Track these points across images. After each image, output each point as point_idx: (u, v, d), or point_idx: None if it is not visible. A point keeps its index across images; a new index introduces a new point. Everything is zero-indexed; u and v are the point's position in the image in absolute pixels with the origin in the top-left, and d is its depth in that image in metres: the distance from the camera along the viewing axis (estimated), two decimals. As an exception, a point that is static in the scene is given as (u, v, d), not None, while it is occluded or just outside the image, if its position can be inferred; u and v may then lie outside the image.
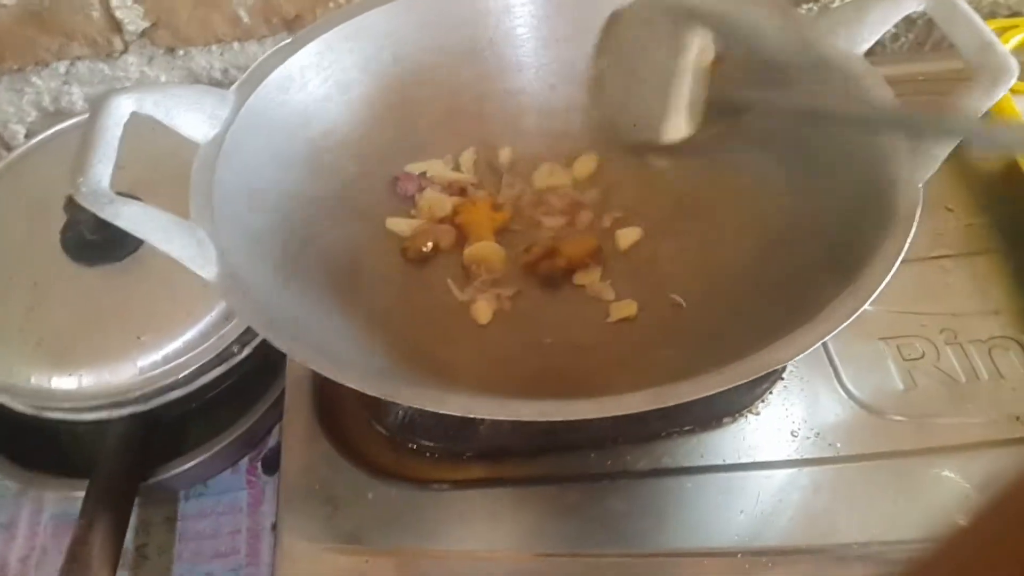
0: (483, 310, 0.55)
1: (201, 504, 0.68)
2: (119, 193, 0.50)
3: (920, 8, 0.51)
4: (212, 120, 0.51)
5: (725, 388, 0.38)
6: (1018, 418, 0.52)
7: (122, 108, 0.47)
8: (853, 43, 0.52)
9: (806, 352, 0.39)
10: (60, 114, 0.78)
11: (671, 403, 0.37)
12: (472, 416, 0.39)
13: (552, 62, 0.62)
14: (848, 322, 0.40)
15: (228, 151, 0.50)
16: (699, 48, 0.54)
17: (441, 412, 0.39)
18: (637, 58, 0.58)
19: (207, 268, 0.44)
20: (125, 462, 0.59)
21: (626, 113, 0.59)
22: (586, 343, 0.53)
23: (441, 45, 0.60)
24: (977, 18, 0.48)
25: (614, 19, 0.60)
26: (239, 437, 0.65)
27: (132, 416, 0.60)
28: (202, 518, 0.67)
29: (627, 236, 0.58)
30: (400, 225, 0.58)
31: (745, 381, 0.39)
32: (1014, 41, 0.66)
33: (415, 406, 0.39)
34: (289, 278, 0.49)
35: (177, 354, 0.60)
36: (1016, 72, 0.46)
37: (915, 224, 0.43)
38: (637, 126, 0.57)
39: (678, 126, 0.54)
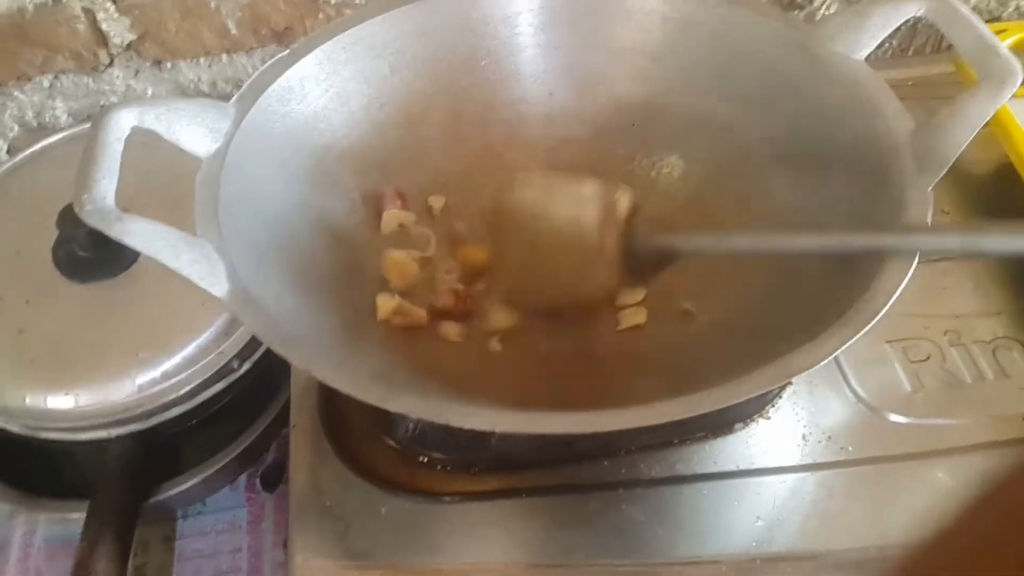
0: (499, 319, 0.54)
1: (200, 523, 0.67)
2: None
3: (920, 12, 0.51)
4: (214, 134, 0.50)
5: (755, 394, 0.38)
6: (1024, 417, 0.53)
7: (123, 123, 0.47)
8: (854, 49, 0.53)
9: (831, 357, 0.39)
10: (43, 129, 0.77)
11: (702, 411, 0.37)
12: (499, 431, 0.38)
13: (551, 70, 0.62)
14: (869, 327, 0.40)
15: (231, 165, 0.50)
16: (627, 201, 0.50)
17: (466, 428, 0.38)
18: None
19: (218, 285, 0.44)
20: (126, 482, 0.58)
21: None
22: (599, 353, 0.53)
23: (440, 55, 0.60)
24: (979, 21, 0.49)
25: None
26: (238, 454, 0.65)
27: (131, 435, 0.59)
28: (201, 537, 0.66)
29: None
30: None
31: (774, 387, 0.39)
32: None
33: (439, 422, 0.38)
34: (299, 291, 0.48)
35: (176, 370, 0.59)
36: (1020, 73, 0.47)
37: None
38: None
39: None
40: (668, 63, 0.60)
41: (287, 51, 0.55)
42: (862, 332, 0.40)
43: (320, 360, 0.42)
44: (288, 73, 0.54)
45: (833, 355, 0.40)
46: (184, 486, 0.62)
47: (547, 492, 0.52)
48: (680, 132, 0.60)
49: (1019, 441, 0.52)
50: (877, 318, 0.41)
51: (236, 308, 0.43)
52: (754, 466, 0.52)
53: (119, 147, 0.46)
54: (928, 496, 0.50)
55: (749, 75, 0.57)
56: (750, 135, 0.57)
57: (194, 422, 0.62)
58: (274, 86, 0.54)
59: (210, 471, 0.63)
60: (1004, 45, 0.48)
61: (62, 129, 0.72)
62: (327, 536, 0.50)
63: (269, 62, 0.55)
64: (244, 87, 0.53)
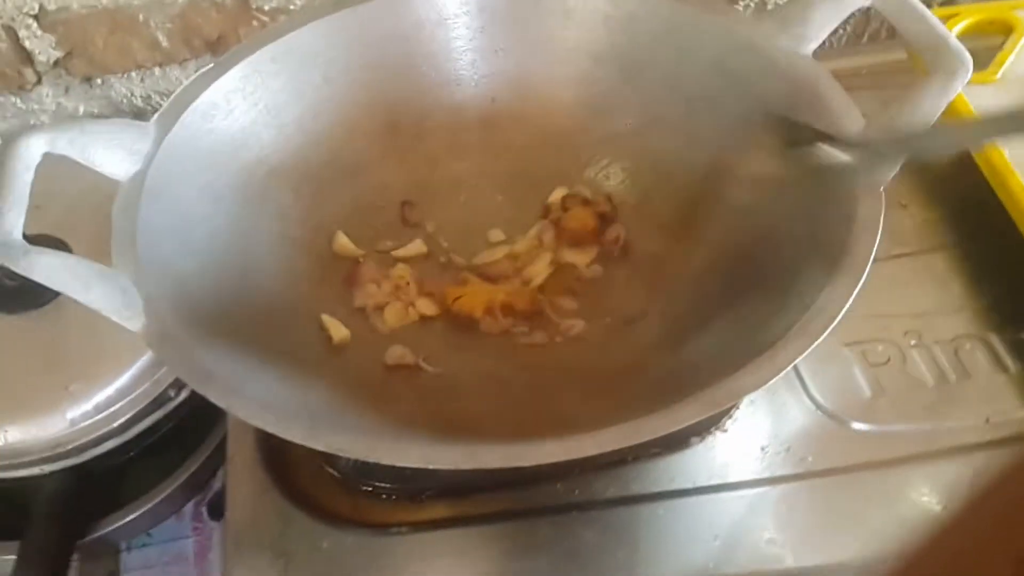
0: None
1: (145, 555, 0.65)
2: (37, 236, 0.47)
3: (867, 4, 0.49)
4: (133, 156, 0.48)
5: (699, 419, 0.36)
6: (988, 420, 0.51)
7: (32, 149, 0.44)
8: (800, 43, 0.51)
9: (778, 377, 0.37)
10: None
11: (638, 441, 0.35)
12: (433, 467, 0.36)
13: (492, 74, 0.60)
14: (816, 343, 0.38)
15: (151, 188, 0.47)
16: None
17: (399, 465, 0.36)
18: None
19: (133, 320, 0.41)
20: (59, 521, 0.56)
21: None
22: (538, 363, 0.50)
23: (374, 62, 0.58)
24: (927, 12, 0.47)
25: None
26: (182, 483, 0.62)
27: (65, 470, 0.57)
28: (147, 570, 0.64)
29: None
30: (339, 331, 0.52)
31: (719, 410, 0.37)
32: (954, 31, 0.66)
33: (372, 460, 0.36)
34: (224, 321, 0.46)
35: (109, 402, 0.57)
36: (971, 66, 0.45)
37: (879, 233, 0.42)
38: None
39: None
40: (611, 64, 0.58)
41: (211, 65, 0.53)
42: (815, 343, 0.38)
43: (243, 396, 0.39)
44: (213, 87, 0.52)
45: (782, 373, 0.38)
46: (126, 519, 0.60)
47: (499, 518, 0.50)
48: (625, 136, 0.58)
49: (983, 445, 0.50)
50: (829, 328, 0.39)
51: (152, 343, 0.41)
52: (712, 482, 0.50)
53: (28, 176, 0.43)
54: (892, 506, 0.48)
55: (694, 75, 0.55)
56: (697, 136, 0.55)
57: (132, 453, 0.59)
58: (198, 102, 0.51)
59: (152, 502, 0.61)
60: (954, 36, 0.46)
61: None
62: (266, 573, 0.48)
63: (192, 77, 0.52)
64: (166, 105, 0.51)
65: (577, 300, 0.54)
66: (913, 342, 0.54)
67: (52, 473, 0.56)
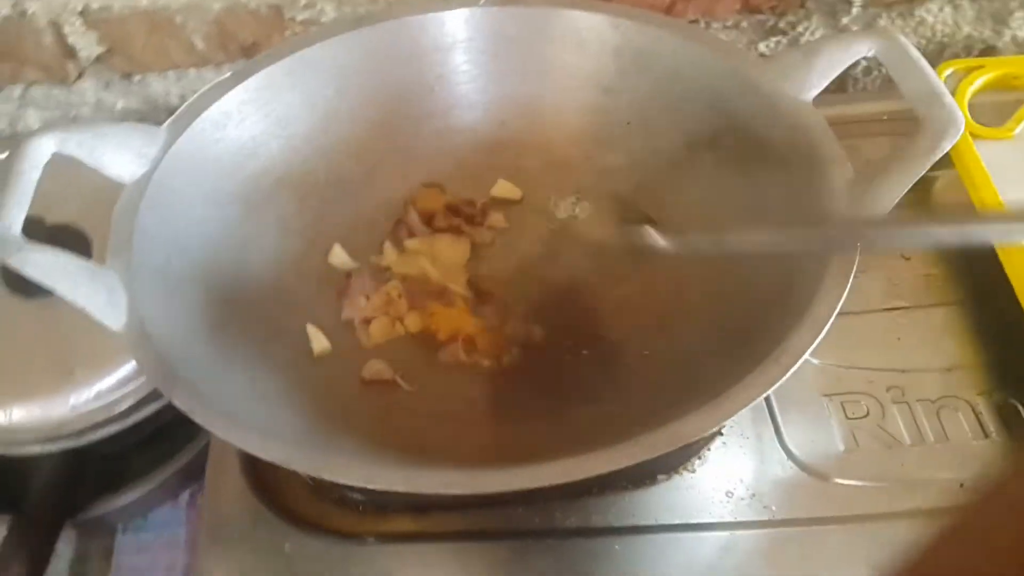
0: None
1: (140, 539, 0.67)
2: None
3: (871, 53, 0.49)
4: (140, 159, 0.50)
5: (640, 460, 0.37)
6: (962, 485, 0.50)
7: (42, 149, 0.46)
8: (802, 89, 0.51)
9: (722, 423, 0.37)
10: (17, 137, 0.77)
11: (570, 479, 0.36)
12: (372, 488, 0.37)
13: (502, 98, 0.61)
14: (771, 389, 0.38)
15: (155, 192, 0.49)
16: None
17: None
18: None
19: (115, 318, 0.43)
20: (52, 499, 0.59)
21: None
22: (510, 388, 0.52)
23: (387, 81, 0.59)
24: (927, 66, 0.47)
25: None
26: (178, 472, 0.64)
27: (63, 452, 0.59)
28: (139, 553, 0.66)
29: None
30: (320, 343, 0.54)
31: (659, 454, 0.37)
32: (976, 83, 0.64)
33: (341, 481, 0.38)
34: (210, 326, 0.48)
35: (111, 390, 0.59)
36: (962, 126, 0.45)
37: (846, 289, 0.42)
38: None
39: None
40: (620, 96, 0.58)
41: (228, 74, 0.55)
42: (762, 396, 0.38)
43: (206, 402, 0.41)
44: (228, 96, 0.54)
45: (731, 417, 0.38)
46: (122, 502, 0.62)
47: (461, 537, 0.51)
48: (625, 168, 0.58)
49: (950, 510, 0.49)
50: (780, 381, 0.39)
51: (129, 343, 0.43)
52: (673, 521, 0.50)
53: (35, 175, 0.46)
54: (851, 564, 0.48)
55: (698, 112, 0.55)
56: (694, 174, 0.55)
57: (131, 440, 0.61)
58: (211, 110, 0.53)
59: (149, 487, 0.63)
60: (949, 94, 0.46)
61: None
62: (232, 570, 0.50)
63: (208, 85, 0.54)
64: (179, 111, 0.53)
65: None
66: (895, 398, 0.54)
67: (50, 454, 0.59)
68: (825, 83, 0.51)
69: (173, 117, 0.52)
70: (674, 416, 0.38)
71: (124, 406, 0.59)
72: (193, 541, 0.66)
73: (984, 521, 0.26)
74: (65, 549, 0.66)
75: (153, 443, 0.64)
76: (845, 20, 0.76)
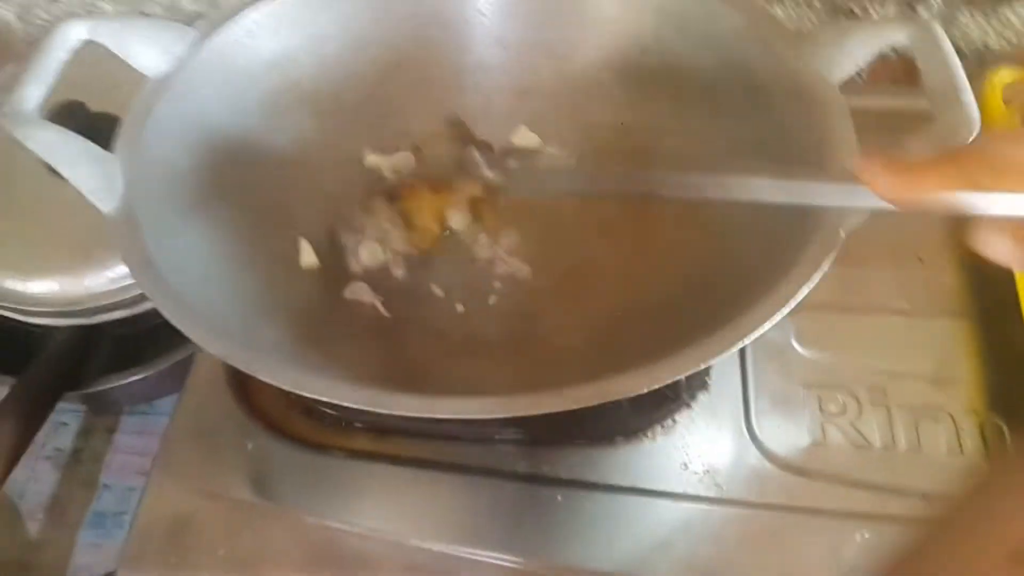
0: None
1: (143, 422, 0.70)
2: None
3: (904, 41, 0.47)
4: (167, 55, 0.51)
5: (553, 410, 0.37)
6: (924, 497, 0.48)
7: (72, 34, 0.49)
8: (831, 70, 0.49)
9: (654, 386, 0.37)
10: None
11: (512, 414, 0.36)
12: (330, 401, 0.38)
13: (538, 43, 0.60)
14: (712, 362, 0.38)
15: (176, 88, 0.51)
16: None
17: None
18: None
19: (107, 201, 0.45)
20: (56, 368, 0.62)
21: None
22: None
23: (426, 11, 0.59)
24: (956, 61, 0.45)
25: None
26: (181, 362, 0.67)
27: (73, 327, 0.62)
28: (138, 435, 0.69)
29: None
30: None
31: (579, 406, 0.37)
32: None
33: (313, 396, 0.38)
34: (203, 221, 0.49)
35: (124, 276, 0.61)
36: (976, 128, 0.43)
37: (820, 271, 0.40)
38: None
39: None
40: (654, 57, 0.57)
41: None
42: (710, 362, 0.38)
43: (175, 295, 0.42)
44: (264, 6, 0.55)
45: (661, 383, 0.37)
46: (124, 381, 0.65)
47: (416, 464, 0.52)
48: (647, 130, 0.57)
49: (908, 521, 0.48)
50: (732, 350, 0.38)
51: (112, 226, 0.45)
52: (622, 484, 0.50)
53: (62, 56, 0.48)
54: (788, 552, 0.47)
55: (729, 87, 0.54)
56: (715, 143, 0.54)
57: (140, 326, 0.64)
58: (245, 17, 0.54)
59: (152, 371, 0.66)
60: (970, 92, 0.44)
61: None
62: (191, 459, 0.52)
63: (247, -8, 0.55)
64: (213, 13, 0.54)
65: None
66: (875, 400, 0.52)
67: (60, 327, 0.62)
68: (854, 67, 0.49)
69: (206, 18, 0.54)
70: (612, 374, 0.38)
71: (134, 292, 0.62)
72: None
73: (972, 518, 0.26)
74: (73, 420, 0.70)
75: (161, 332, 0.66)
76: (921, 10, 0.73)
